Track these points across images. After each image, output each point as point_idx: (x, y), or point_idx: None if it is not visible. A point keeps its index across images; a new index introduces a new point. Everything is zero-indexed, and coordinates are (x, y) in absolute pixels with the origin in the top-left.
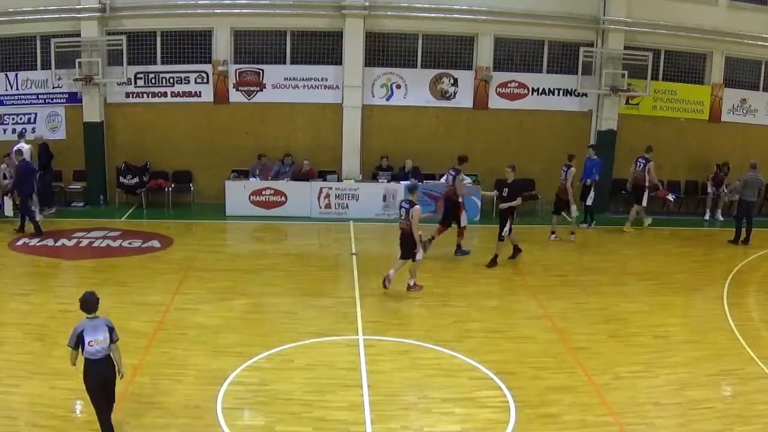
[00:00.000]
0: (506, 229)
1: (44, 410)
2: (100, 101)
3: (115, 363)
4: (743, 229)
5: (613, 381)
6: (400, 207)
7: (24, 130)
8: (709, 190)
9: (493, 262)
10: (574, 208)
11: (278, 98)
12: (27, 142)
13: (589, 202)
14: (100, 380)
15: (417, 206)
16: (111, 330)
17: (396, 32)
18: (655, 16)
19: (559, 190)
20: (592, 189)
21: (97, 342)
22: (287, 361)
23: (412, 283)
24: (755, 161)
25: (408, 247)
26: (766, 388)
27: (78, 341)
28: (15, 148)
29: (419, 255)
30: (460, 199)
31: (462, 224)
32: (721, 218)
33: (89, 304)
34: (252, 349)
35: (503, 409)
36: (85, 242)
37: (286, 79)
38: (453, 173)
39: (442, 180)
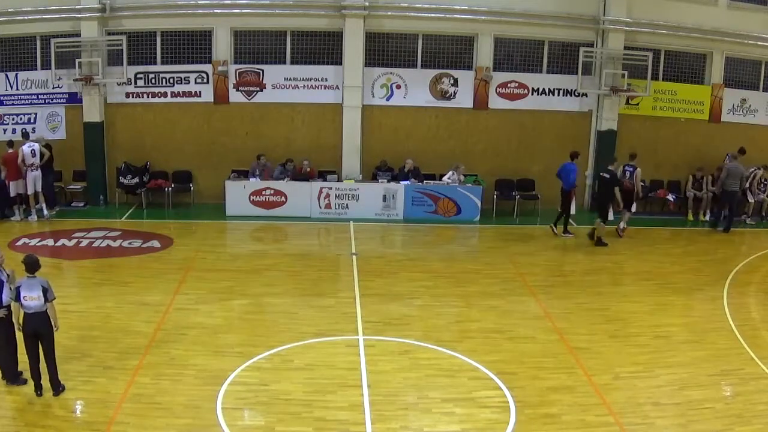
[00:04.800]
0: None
1: (44, 410)
2: (100, 101)
3: (51, 319)
4: (722, 218)
5: (613, 381)
6: (624, 170)
7: (24, 130)
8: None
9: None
10: (634, 206)
11: (278, 98)
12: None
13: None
14: (32, 331)
15: (638, 169)
16: (46, 290)
17: (396, 32)
18: (655, 16)
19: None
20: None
21: (31, 298)
22: (287, 361)
23: (622, 226)
24: (736, 153)
25: (628, 199)
26: (766, 388)
27: (17, 295)
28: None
29: (634, 207)
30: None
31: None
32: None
33: (30, 265)
34: (252, 349)
35: (503, 409)
36: (85, 242)
37: (286, 79)
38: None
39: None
